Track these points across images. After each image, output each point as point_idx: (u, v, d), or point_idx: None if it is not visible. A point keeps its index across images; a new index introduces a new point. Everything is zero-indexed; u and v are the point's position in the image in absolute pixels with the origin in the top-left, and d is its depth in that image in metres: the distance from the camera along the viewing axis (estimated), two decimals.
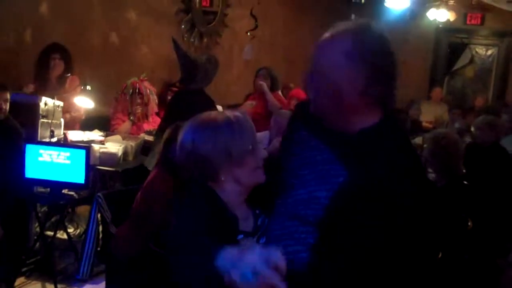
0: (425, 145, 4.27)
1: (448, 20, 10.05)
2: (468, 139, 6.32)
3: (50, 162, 4.01)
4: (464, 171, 4.47)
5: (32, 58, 5.13)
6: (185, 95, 4.71)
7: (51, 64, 5.06)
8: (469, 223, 3.88)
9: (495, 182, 5.14)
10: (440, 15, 9.91)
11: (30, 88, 4.96)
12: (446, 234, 3.58)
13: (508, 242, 5.02)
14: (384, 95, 1.58)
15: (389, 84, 1.57)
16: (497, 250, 4.94)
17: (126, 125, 5.49)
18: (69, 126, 5.08)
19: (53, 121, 4.52)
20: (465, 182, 4.15)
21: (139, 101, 5.60)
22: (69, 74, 5.18)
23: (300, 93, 7.37)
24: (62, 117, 4.77)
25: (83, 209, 4.72)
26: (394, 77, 1.58)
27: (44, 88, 4.95)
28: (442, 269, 3.57)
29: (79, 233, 4.60)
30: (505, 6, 8.51)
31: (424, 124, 8.30)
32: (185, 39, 7.28)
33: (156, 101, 5.80)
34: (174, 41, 4.71)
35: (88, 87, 4.95)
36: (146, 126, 5.61)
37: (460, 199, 3.90)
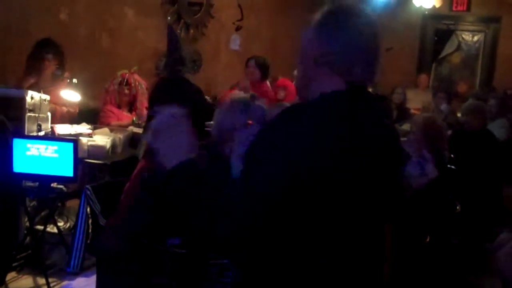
0: (411, 129, 4.29)
1: (434, 6, 10.05)
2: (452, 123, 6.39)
3: (38, 156, 3.99)
4: (452, 156, 4.50)
5: (17, 52, 5.11)
6: (170, 83, 4.70)
7: (45, 63, 5.02)
8: (457, 207, 3.91)
9: (483, 167, 5.17)
10: (426, 2, 9.92)
11: (30, 81, 4.93)
12: (434, 217, 3.61)
13: (496, 226, 5.07)
14: (340, 65, 1.59)
15: (345, 56, 1.58)
16: (485, 234, 4.98)
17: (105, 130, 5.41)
18: (63, 121, 5.08)
19: (40, 115, 4.50)
20: (453, 167, 4.17)
21: (126, 91, 5.62)
22: (60, 72, 5.15)
23: (286, 82, 7.38)
24: (60, 109, 4.77)
25: (73, 203, 4.70)
26: (353, 50, 1.59)
27: (38, 84, 4.91)
28: (431, 253, 3.60)
29: (69, 226, 4.59)
30: None
31: (412, 111, 8.32)
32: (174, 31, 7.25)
33: (146, 95, 5.79)
34: (170, 28, 4.71)
35: (75, 80, 4.93)
36: (134, 115, 5.63)
37: (448, 183, 3.92)
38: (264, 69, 6.16)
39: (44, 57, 5.02)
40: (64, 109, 5.13)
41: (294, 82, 8.09)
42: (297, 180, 1.45)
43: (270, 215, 1.45)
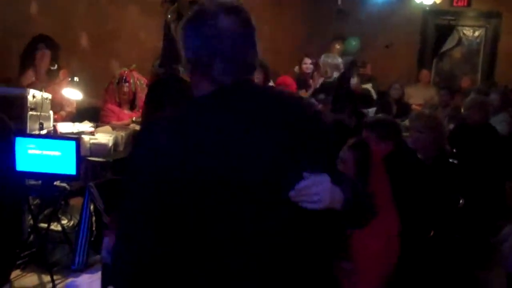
0: (411, 123, 4.28)
1: (435, 2, 10.04)
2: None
3: (40, 154, 3.99)
4: (454, 150, 4.50)
5: (18, 52, 5.11)
6: (165, 82, 4.71)
7: (37, 55, 5.04)
8: (460, 201, 3.91)
9: (486, 161, 5.17)
10: None
11: (27, 77, 4.94)
12: (437, 212, 3.61)
13: (499, 220, 5.06)
14: (204, 68, 1.59)
15: (206, 57, 1.58)
16: (489, 228, 4.98)
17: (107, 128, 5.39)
18: (65, 120, 5.10)
19: (42, 113, 4.50)
20: (455, 161, 4.17)
21: (125, 89, 5.63)
22: (55, 66, 5.16)
23: (286, 80, 7.39)
24: (59, 115, 4.77)
25: (76, 201, 4.71)
26: (213, 50, 1.57)
27: (32, 80, 4.93)
28: (435, 247, 3.60)
29: (73, 224, 4.59)
30: None
31: (413, 107, 8.31)
32: (171, 29, 7.24)
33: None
34: (168, 25, 4.71)
35: (76, 79, 4.94)
36: (135, 116, 5.61)
37: (451, 177, 3.92)
38: (266, 70, 6.08)
39: (36, 51, 5.03)
40: (63, 113, 5.14)
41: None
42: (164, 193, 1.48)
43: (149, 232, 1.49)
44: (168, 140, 1.51)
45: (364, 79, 8.41)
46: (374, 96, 8.12)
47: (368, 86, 8.13)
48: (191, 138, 1.50)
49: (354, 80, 7.44)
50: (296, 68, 8.65)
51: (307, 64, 8.06)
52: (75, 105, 5.31)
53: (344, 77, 7.62)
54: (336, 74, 7.22)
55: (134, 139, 1.39)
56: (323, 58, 7.50)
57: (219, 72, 1.57)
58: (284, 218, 1.55)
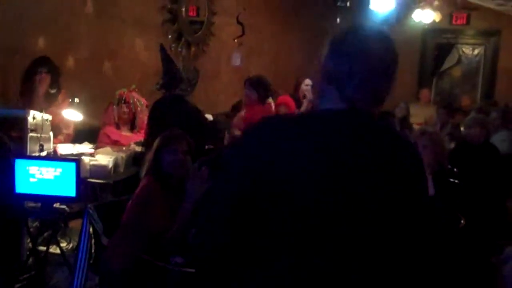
0: (415, 139, 4.29)
1: (434, 21, 10.09)
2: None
3: (40, 176, 3.98)
4: (455, 169, 4.49)
5: (19, 72, 5.12)
6: (167, 102, 4.73)
7: (37, 79, 5.05)
8: (461, 221, 3.89)
9: (486, 180, 5.15)
10: (425, 16, 9.96)
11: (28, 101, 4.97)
12: (438, 232, 3.58)
13: (500, 239, 5.03)
14: (345, 85, 1.61)
15: (351, 76, 1.60)
16: (490, 248, 4.95)
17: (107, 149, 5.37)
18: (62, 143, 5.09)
19: (42, 135, 4.49)
20: (456, 181, 4.16)
21: (125, 110, 5.61)
22: (55, 90, 5.17)
23: (287, 100, 7.37)
24: (57, 139, 4.76)
25: (76, 223, 4.69)
26: (360, 72, 1.60)
27: (31, 103, 4.93)
28: (435, 266, 3.56)
29: (72, 247, 4.58)
30: (490, 4, 8.56)
31: (414, 126, 8.32)
32: (172, 49, 7.27)
33: (147, 113, 5.79)
34: (162, 47, 4.73)
35: (76, 100, 4.94)
36: (135, 138, 5.60)
37: (452, 197, 3.91)
38: (260, 88, 5.92)
39: (36, 74, 5.05)
40: (61, 138, 5.14)
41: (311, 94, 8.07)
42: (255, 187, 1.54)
43: (231, 219, 1.57)
44: (272, 140, 1.57)
45: None
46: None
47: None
48: (299, 143, 1.55)
49: None
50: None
51: (309, 85, 8.05)
52: (72, 127, 5.30)
53: None
54: None
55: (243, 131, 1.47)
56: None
57: (352, 90, 1.60)
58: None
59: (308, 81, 8.00)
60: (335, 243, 1.53)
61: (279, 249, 1.55)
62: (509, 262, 4.00)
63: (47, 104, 4.99)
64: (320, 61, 1.67)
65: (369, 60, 1.60)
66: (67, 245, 4.60)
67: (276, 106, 6.60)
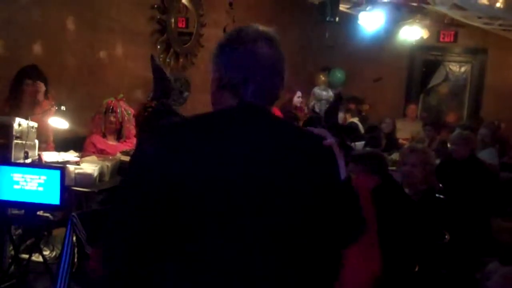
0: (404, 158, 4.28)
1: (422, 38, 10.18)
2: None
3: (24, 183, 3.95)
4: (441, 185, 4.51)
5: (6, 80, 5.09)
6: (158, 114, 4.70)
7: (23, 88, 5.03)
8: (446, 236, 3.90)
9: (472, 196, 5.17)
10: (413, 33, 10.04)
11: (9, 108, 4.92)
12: (423, 246, 3.59)
13: (484, 256, 5.05)
14: (235, 88, 1.66)
15: (239, 78, 1.66)
16: (474, 264, 4.96)
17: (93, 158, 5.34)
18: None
19: (27, 142, 4.46)
20: (441, 196, 4.17)
21: (112, 119, 5.59)
22: (42, 98, 5.14)
23: (274, 111, 7.38)
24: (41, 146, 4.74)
25: (59, 231, 4.65)
26: (246, 73, 1.66)
27: (17, 111, 4.89)
28: (420, 282, 3.57)
29: (55, 255, 4.53)
30: (477, 23, 8.64)
31: (400, 141, 8.37)
32: (161, 59, 7.27)
33: (134, 122, 5.76)
34: (152, 57, 4.71)
35: (63, 108, 4.91)
36: (121, 147, 5.57)
37: (437, 212, 3.92)
38: None
39: (23, 83, 5.03)
40: (44, 146, 5.10)
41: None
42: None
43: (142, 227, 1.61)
44: (180, 141, 1.61)
45: (360, 116, 8.47)
46: (362, 130, 8.16)
47: (355, 119, 8.18)
48: (200, 142, 1.60)
49: (341, 114, 7.50)
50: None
51: (300, 97, 8.12)
52: (51, 140, 5.28)
53: (331, 111, 7.67)
54: (325, 107, 7.29)
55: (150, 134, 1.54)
56: (315, 91, 7.55)
57: (250, 95, 1.65)
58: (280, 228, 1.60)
59: (299, 93, 8.06)
60: (246, 236, 1.57)
61: (194, 245, 1.58)
62: (492, 277, 4.01)
63: (33, 112, 4.95)
64: (213, 71, 1.73)
65: (260, 65, 1.65)
66: (50, 253, 4.55)
67: None
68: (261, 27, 1.72)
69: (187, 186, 1.56)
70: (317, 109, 7.58)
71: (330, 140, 1.71)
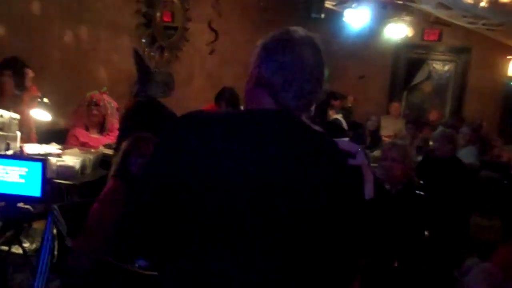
0: (385, 153, 4.33)
1: (407, 36, 10.23)
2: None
3: (5, 175, 3.93)
4: (421, 182, 4.55)
5: None
6: (142, 107, 4.70)
7: (2, 81, 5.00)
8: (425, 233, 3.94)
9: (452, 193, 5.23)
10: (398, 31, 10.09)
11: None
12: (402, 242, 3.63)
13: (462, 253, 5.11)
14: (275, 90, 1.65)
15: (281, 81, 1.64)
16: (452, 261, 5.02)
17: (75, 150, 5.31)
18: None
19: (9, 133, 4.44)
20: (421, 193, 4.21)
21: (95, 112, 5.58)
22: (20, 92, 5.12)
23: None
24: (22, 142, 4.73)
25: (39, 224, 4.63)
26: (290, 77, 1.64)
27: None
28: (399, 278, 3.61)
29: (35, 248, 4.52)
30: (461, 22, 8.70)
31: (383, 138, 8.42)
32: (145, 53, 7.26)
33: (117, 116, 5.75)
34: (136, 51, 4.71)
35: (46, 100, 4.90)
36: (104, 140, 5.56)
37: (416, 208, 3.95)
38: (228, 101, 6.00)
39: (4, 75, 5.00)
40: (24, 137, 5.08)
41: None
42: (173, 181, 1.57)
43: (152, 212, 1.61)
44: (194, 135, 1.59)
45: (344, 111, 8.50)
46: (345, 126, 8.20)
47: (339, 116, 8.22)
48: (221, 140, 1.58)
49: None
50: None
51: None
52: (33, 129, 5.26)
53: (321, 109, 7.71)
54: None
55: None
56: None
57: (290, 97, 1.64)
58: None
59: None
60: (250, 241, 1.56)
61: (196, 245, 1.58)
62: (470, 272, 4.06)
63: (14, 104, 4.93)
64: (253, 68, 1.70)
65: (302, 69, 1.64)
66: (29, 245, 4.54)
67: None
68: (307, 33, 1.71)
69: (191, 183, 1.56)
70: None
71: (359, 161, 1.70)
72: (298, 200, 1.56)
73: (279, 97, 1.64)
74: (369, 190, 1.71)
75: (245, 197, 1.55)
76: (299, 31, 1.71)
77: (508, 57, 10.33)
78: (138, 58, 4.77)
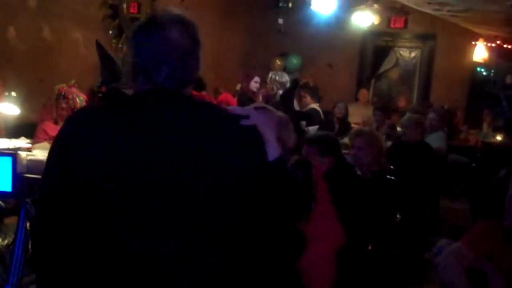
0: (353, 140, 4.38)
1: (373, 24, 10.30)
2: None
3: None
4: (392, 167, 4.61)
5: None
6: (110, 97, 4.67)
7: None
8: (397, 216, 4.01)
9: (421, 177, 5.31)
10: (365, 19, 10.15)
11: None
12: (375, 226, 3.68)
13: (433, 236, 5.20)
14: (148, 72, 1.69)
15: (151, 63, 1.68)
16: (423, 244, 5.11)
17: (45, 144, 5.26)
18: None
19: None
20: (392, 178, 4.27)
21: (64, 105, 5.52)
22: None
23: (228, 98, 7.41)
24: None
25: (11, 220, 4.57)
26: (157, 57, 1.68)
27: None
28: (373, 261, 3.66)
29: (7, 243, 4.46)
30: (426, 9, 8.79)
31: (352, 125, 8.48)
32: (113, 45, 7.20)
33: None
34: (98, 43, 4.67)
35: (13, 94, 4.83)
36: None
37: (388, 192, 4.01)
38: (198, 88, 6.06)
39: None
40: None
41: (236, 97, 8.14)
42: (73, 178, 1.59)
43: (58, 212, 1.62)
44: (88, 128, 1.61)
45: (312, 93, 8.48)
46: (322, 116, 8.23)
47: (316, 106, 8.25)
48: (107, 128, 1.61)
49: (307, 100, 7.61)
50: (238, 86, 8.70)
51: (258, 83, 8.16)
52: (2, 125, 5.18)
53: (286, 96, 7.74)
54: (279, 92, 7.34)
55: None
56: (271, 75, 7.59)
57: (164, 78, 1.67)
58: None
59: (257, 79, 8.11)
60: (157, 223, 1.57)
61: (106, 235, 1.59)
62: (442, 252, 4.14)
63: None
64: (128, 54, 1.78)
65: (172, 50, 1.68)
66: (1, 241, 4.47)
67: (217, 103, 6.66)
68: (176, 11, 1.74)
69: (92, 175, 1.57)
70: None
71: (252, 121, 1.70)
72: (195, 173, 1.59)
73: (153, 80, 1.67)
74: (272, 150, 1.71)
75: (146, 178, 1.57)
76: (169, 12, 1.74)
77: (473, 42, 10.49)
78: (101, 51, 4.73)
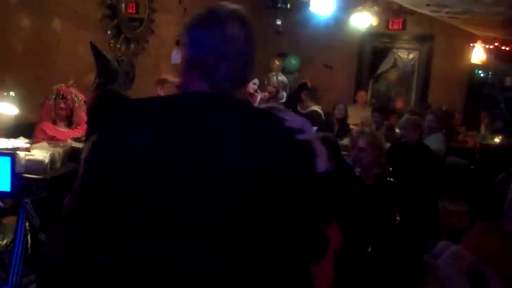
0: (353, 141, 4.37)
1: (372, 25, 10.31)
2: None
3: None
4: (391, 169, 4.61)
5: None
6: (106, 100, 4.67)
7: None
8: (397, 217, 4.00)
9: (420, 179, 5.31)
10: (363, 21, 10.16)
11: None
12: (375, 228, 3.68)
13: (431, 238, 5.20)
14: (206, 70, 1.62)
15: (210, 60, 1.62)
16: (421, 246, 5.11)
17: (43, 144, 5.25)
18: None
19: None
20: (392, 180, 4.27)
21: (62, 105, 5.52)
22: None
23: None
24: None
25: (10, 220, 4.57)
26: (218, 55, 1.61)
27: None
28: (373, 263, 3.66)
29: (6, 243, 4.45)
30: (425, 10, 8.80)
31: (351, 127, 8.49)
32: (111, 45, 7.19)
33: (85, 109, 5.69)
34: (92, 44, 4.67)
35: (12, 93, 4.82)
36: (72, 133, 5.50)
37: (389, 195, 4.01)
38: None
39: None
40: None
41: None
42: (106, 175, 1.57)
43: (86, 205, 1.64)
44: (124, 125, 1.59)
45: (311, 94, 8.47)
46: (323, 117, 8.23)
47: (317, 107, 8.24)
48: (153, 126, 1.56)
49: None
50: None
51: (256, 84, 8.14)
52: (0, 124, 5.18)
53: (293, 98, 7.74)
54: (283, 93, 7.32)
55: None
56: (274, 76, 7.56)
57: (222, 77, 1.61)
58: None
59: (255, 80, 8.08)
60: (189, 229, 1.54)
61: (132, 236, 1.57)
62: (441, 255, 4.13)
63: None
64: (184, 51, 1.67)
65: (232, 46, 1.62)
66: (1, 241, 4.47)
67: None
68: (232, 6, 1.67)
69: (128, 176, 1.54)
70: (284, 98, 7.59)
71: (307, 135, 1.65)
72: (239, 183, 1.52)
73: (211, 78, 1.62)
74: (322, 163, 1.68)
75: (181, 183, 1.52)
76: (226, 6, 1.67)
77: (471, 44, 10.50)
78: (96, 52, 4.72)
